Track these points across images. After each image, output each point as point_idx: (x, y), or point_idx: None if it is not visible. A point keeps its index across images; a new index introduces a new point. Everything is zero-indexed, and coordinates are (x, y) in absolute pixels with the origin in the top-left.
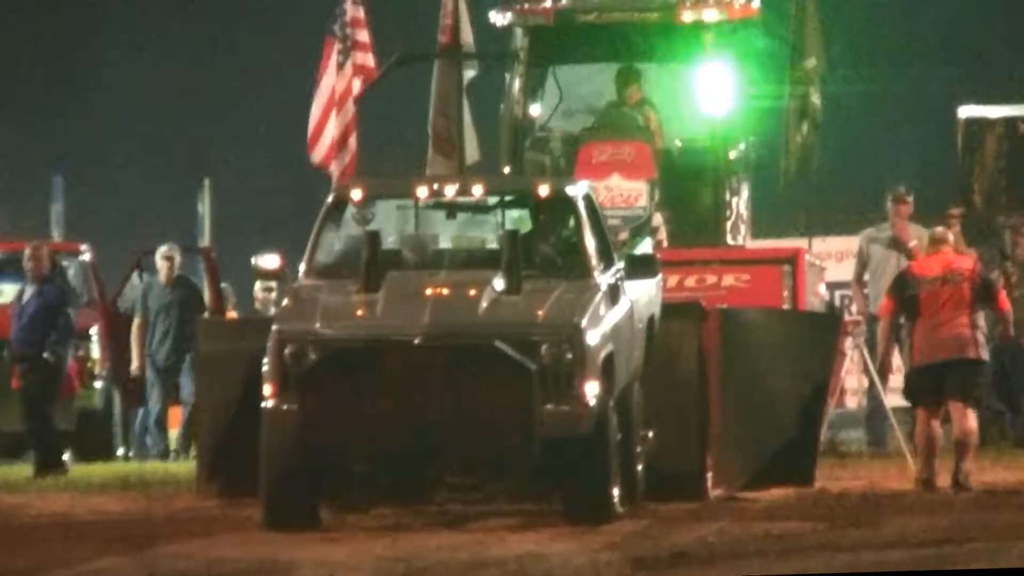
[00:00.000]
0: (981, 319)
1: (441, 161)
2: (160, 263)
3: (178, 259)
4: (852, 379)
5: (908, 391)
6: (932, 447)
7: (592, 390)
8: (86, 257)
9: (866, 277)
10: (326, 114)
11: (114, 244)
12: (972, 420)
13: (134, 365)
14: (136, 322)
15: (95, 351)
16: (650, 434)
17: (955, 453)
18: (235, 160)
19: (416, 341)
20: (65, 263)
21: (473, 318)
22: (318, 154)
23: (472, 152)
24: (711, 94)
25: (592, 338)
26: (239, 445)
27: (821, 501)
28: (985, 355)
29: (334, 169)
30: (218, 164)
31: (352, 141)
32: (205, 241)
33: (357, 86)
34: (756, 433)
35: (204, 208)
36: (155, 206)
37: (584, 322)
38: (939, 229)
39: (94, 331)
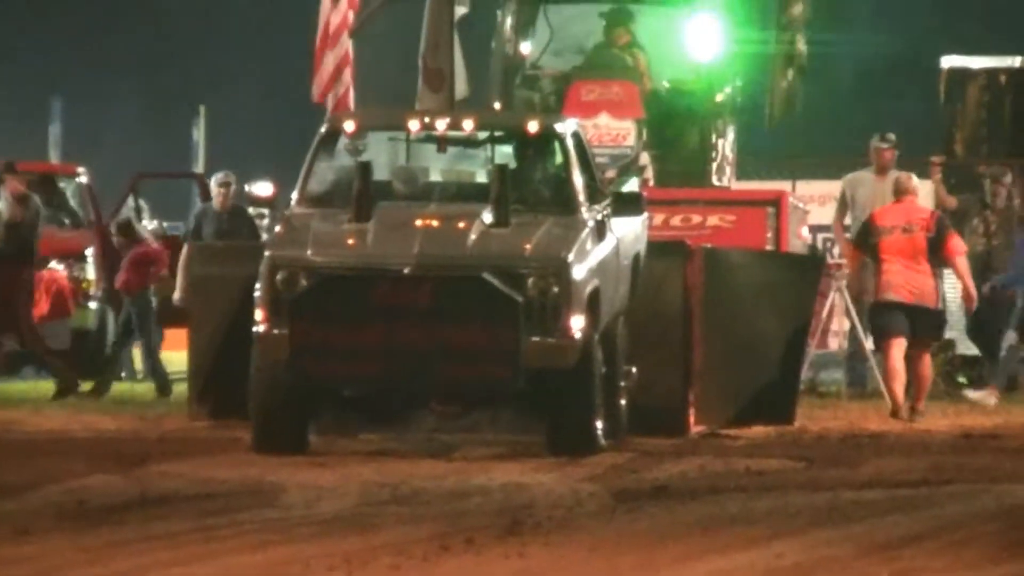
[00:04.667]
0: (939, 267)
1: (430, 95)
2: (215, 190)
3: (234, 186)
4: (835, 321)
5: (871, 327)
6: (898, 375)
7: (577, 323)
8: (83, 179)
9: (848, 220)
10: (322, 49)
11: (111, 167)
12: (927, 366)
13: (176, 295)
14: (186, 249)
15: (90, 272)
16: (633, 370)
17: (913, 390)
18: (231, 88)
19: (405, 271)
20: (62, 184)
21: (462, 250)
22: (316, 88)
23: (461, 87)
24: (699, 36)
25: (578, 272)
26: (230, 368)
27: (801, 440)
28: (942, 303)
29: (329, 102)
30: (215, 92)
31: (347, 74)
32: (200, 168)
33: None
34: (738, 371)
35: (199, 135)
36: (151, 131)
37: (571, 256)
38: (902, 177)
39: (90, 252)
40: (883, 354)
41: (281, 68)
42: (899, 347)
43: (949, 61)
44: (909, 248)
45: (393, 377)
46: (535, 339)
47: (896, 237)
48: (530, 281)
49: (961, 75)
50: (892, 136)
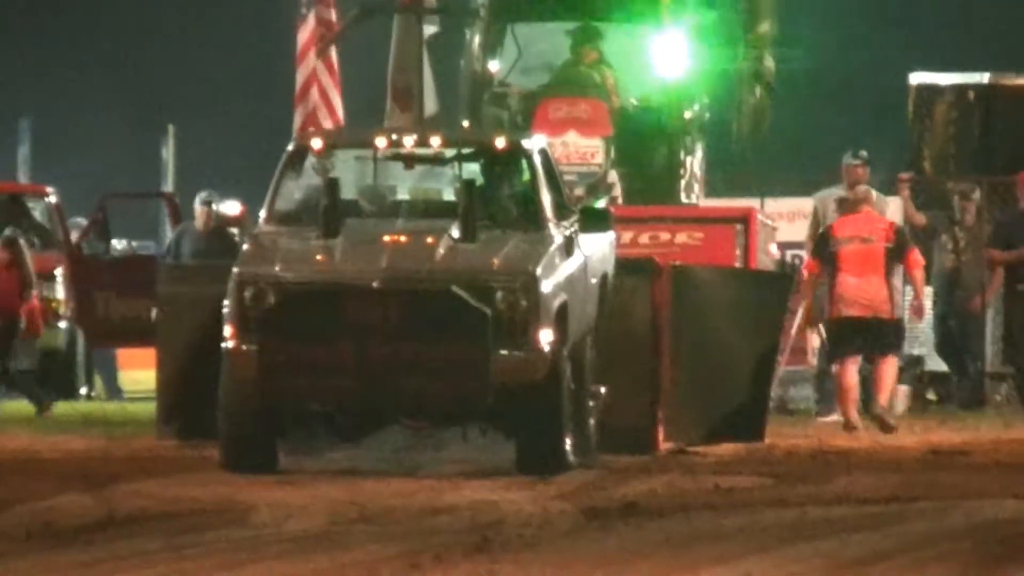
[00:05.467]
0: (897, 278)
1: (399, 114)
2: (198, 209)
3: (216, 206)
4: (805, 338)
5: (828, 341)
6: (850, 392)
7: (546, 337)
8: (52, 200)
9: None
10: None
11: (80, 188)
12: (889, 367)
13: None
14: None
15: (60, 292)
16: (602, 389)
17: (873, 389)
18: (201, 108)
19: (374, 285)
20: (31, 205)
21: (430, 264)
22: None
23: (430, 105)
24: (667, 54)
25: (546, 286)
26: (197, 388)
27: (770, 457)
28: (899, 312)
29: (296, 119)
30: (184, 111)
31: (314, 92)
32: (169, 187)
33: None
34: (707, 389)
35: (168, 154)
36: (120, 151)
37: (539, 270)
38: (861, 188)
39: (59, 272)
40: (837, 373)
41: (252, 87)
42: (853, 365)
43: (917, 78)
44: (867, 258)
45: (362, 392)
46: (503, 353)
47: (855, 247)
48: (498, 295)
49: (929, 92)
50: (864, 153)
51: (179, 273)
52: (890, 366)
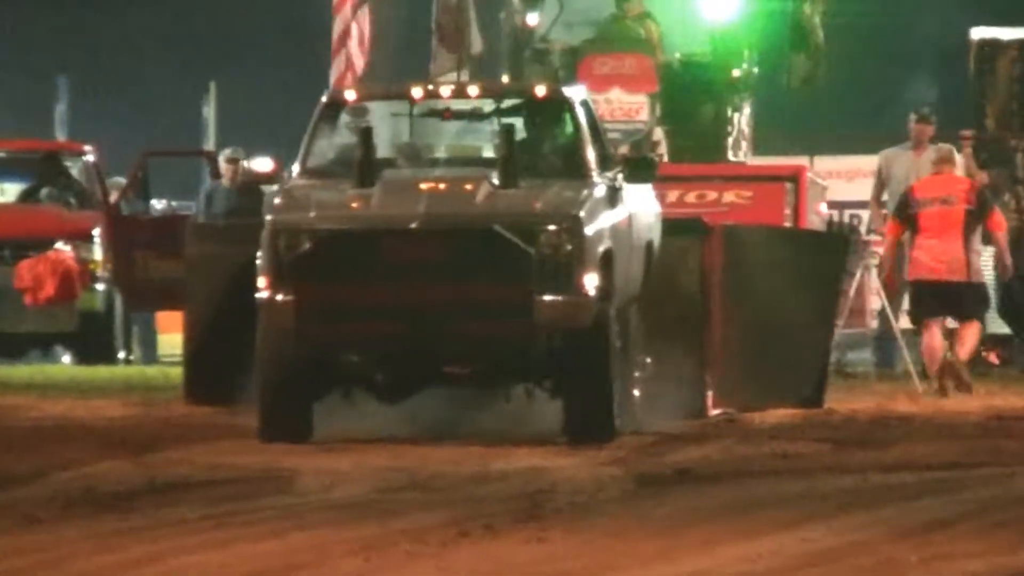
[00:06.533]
0: (977, 240)
1: (446, 55)
2: (224, 167)
3: (243, 162)
4: (868, 300)
5: (911, 306)
6: (934, 356)
7: (591, 282)
8: (90, 158)
9: (884, 196)
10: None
11: (119, 145)
12: (974, 327)
13: None
14: None
15: (98, 253)
16: (648, 360)
17: (955, 343)
18: (242, 64)
19: (412, 226)
20: (68, 163)
21: (470, 207)
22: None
23: (477, 44)
24: (713, 7)
25: (590, 230)
26: (225, 351)
27: (828, 422)
28: (979, 276)
29: (332, 72)
30: (225, 68)
31: (352, 44)
32: (210, 145)
33: None
34: (760, 353)
35: (210, 112)
36: (161, 109)
37: (583, 213)
38: (944, 149)
39: (97, 232)
40: (922, 336)
41: (293, 44)
42: (936, 327)
43: (979, 33)
44: (947, 220)
45: (402, 335)
46: (548, 297)
47: (936, 209)
48: (542, 238)
49: (991, 47)
50: (926, 110)
51: (207, 232)
52: (972, 328)
